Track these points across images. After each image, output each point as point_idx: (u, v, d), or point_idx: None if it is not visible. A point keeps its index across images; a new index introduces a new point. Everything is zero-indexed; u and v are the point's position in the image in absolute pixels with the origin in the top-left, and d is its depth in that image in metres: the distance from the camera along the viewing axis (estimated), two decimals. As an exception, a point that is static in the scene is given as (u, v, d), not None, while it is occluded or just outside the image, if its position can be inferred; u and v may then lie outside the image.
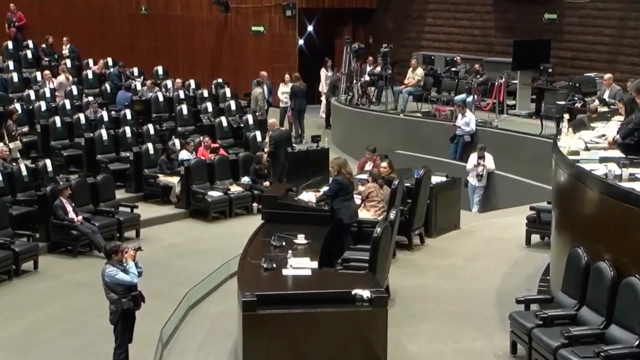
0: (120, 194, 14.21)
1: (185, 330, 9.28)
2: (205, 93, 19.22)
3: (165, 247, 12.57)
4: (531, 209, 11.44)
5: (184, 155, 15.15)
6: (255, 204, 14.38)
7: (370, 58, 20.54)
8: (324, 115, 21.33)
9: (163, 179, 14.63)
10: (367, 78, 20.27)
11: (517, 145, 15.93)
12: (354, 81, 20.00)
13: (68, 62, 20.55)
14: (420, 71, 19.20)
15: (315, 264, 8.04)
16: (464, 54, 21.18)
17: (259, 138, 16.35)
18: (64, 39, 21.91)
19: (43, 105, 16.93)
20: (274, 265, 7.89)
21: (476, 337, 8.40)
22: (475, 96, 17.67)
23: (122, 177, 15.01)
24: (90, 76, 19.88)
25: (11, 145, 14.59)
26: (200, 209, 14.20)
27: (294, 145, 17.48)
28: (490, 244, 11.65)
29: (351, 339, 7.17)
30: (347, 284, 7.51)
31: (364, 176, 12.05)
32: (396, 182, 10.65)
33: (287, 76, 20.28)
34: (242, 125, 17.36)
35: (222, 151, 15.67)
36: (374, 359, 7.14)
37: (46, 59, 21.08)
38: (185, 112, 17.55)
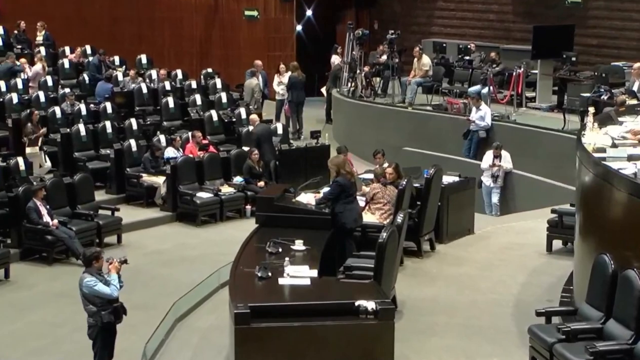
0: (99, 196, 14.22)
1: (172, 345, 9.26)
2: (194, 84, 19.23)
3: (150, 254, 12.58)
4: (552, 212, 11.44)
5: (170, 152, 15.17)
6: (248, 207, 14.39)
7: (381, 47, 20.50)
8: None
9: (147, 178, 14.64)
10: (369, 68, 20.28)
11: (537, 141, 15.93)
12: (358, 71, 20.01)
13: (42, 50, 20.56)
14: (426, 60, 19.20)
15: (314, 273, 8.04)
16: (479, 41, 21.20)
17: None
18: (38, 24, 21.91)
19: (15, 97, 16.94)
20: (270, 274, 7.90)
21: (492, 353, 8.40)
22: (491, 87, 17.68)
23: (102, 177, 15.02)
24: (66, 65, 19.88)
25: (28, 150, 14.39)
26: (188, 212, 14.21)
27: (291, 141, 17.59)
28: (507, 251, 11.66)
29: (354, 356, 7.16)
30: (349, 294, 7.51)
31: (369, 176, 12.05)
32: (404, 183, 10.65)
33: (282, 66, 20.30)
34: (234, 119, 17.38)
35: (212, 148, 15.68)
36: (380, 377, 7.15)
37: (19, 46, 21.10)
38: (171, 105, 17.56)
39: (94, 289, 7.94)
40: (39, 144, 14.71)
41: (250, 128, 15.91)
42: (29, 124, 14.73)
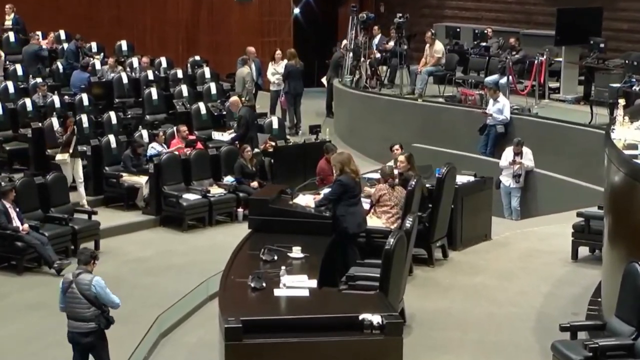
0: (75, 197, 14.23)
1: (156, 363, 9.31)
2: (180, 73, 19.24)
3: (131, 262, 12.59)
4: (578, 215, 11.46)
5: (157, 147, 15.19)
6: (240, 210, 14.40)
7: (392, 33, 20.50)
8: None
9: (128, 178, 14.65)
10: (377, 55, 20.30)
11: (561, 137, 15.95)
12: (362, 59, 20.02)
13: (11, 35, 20.56)
14: (439, 46, 19.21)
15: (314, 283, 8.06)
16: (496, 26, 21.20)
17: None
18: (7, 7, 21.89)
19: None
20: (264, 285, 7.91)
21: (511, 373, 8.44)
22: (511, 77, 17.70)
23: (78, 177, 15.05)
24: (38, 53, 19.90)
25: (58, 157, 14.16)
26: (173, 215, 14.22)
27: (287, 137, 17.60)
28: (528, 259, 11.68)
29: (358, 375, 7.20)
30: (353, 307, 7.53)
31: (374, 175, 12.06)
32: (413, 183, 10.67)
33: (278, 52, 20.30)
34: (224, 112, 17.40)
35: (200, 144, 15.71)
36: (386, 399, 7.17)
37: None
38: (154, 96, 17.57)
39: (107, 292, 8.28)
40: (71, 149, 14.25)
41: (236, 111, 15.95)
42: (59, 128, 14.53)
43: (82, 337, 8.32)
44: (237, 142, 15.56)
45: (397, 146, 13.57)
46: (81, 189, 14.29)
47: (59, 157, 14.26)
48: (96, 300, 8.28)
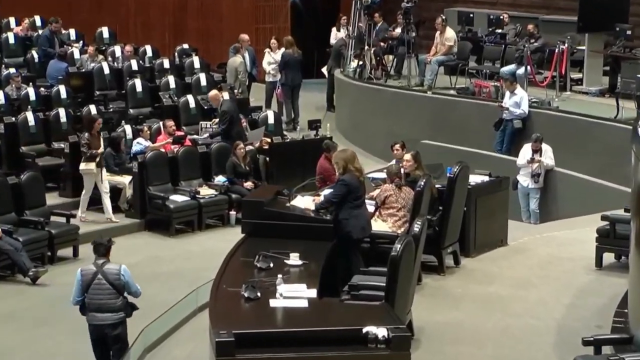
0: (52, 199, 14.24)
1: (140, 380, 9.34)
2: (166, 63, 19.26)
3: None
4: (603, 218, 11.47)
5: (143, 142, 15.20)
6: (233, 212, 14.42)
7: (399, 20, 20.50)
8: None
9: (110, 178, 14.66)
10: (382, 44, 20.31)
11: (584, 133, 15.96)
12: (366, 47, 20.04)
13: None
14: (451, 34, 19.22)
15: (313, 293, 8.07)
16: (513, 11, 21.22)
17: (244, 123, 16.40)
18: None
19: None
20: (259, 295, 7.92)
21: (529, 391, 8.46)
22: (529, 67, 17.71)
23: (55, 177, 15.05)
24: (11, 40, 19.91)
25: (82, 167, 13.99)
26: (159, 218, 14.24)
27: (284, 133, 17.61)
28: (548, 266, 11.69)
29: (362, 393, 7.20)
30: (356, 319, 7.54)
31: (379, 175, 12.07)
32: (422, 183, 10.68)
33: (274, 41, 20.32)
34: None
35: (188, 141, 15.73)
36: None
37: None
38: (139, 88, 17.59)
39: (133, 281, 8.95)
40: (98, 158, 14.11)
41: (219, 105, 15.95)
42: (86, 134, 14.17)
43: (112, 329, 8.90)
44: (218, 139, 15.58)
45: (397, 145, 13.55)
46: (107, 200, 14.15)
47: (83, 167, 14.04)
48: (123, 290, 8.90)
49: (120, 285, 8.92)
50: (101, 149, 14.15)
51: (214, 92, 16.40)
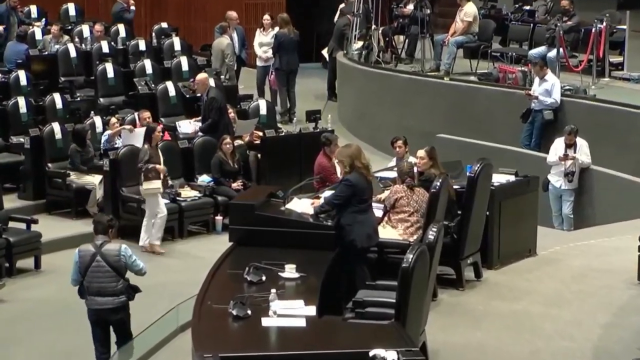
0: (9, 202, 14.25)
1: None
2: (142, 45, 19.27)
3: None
4: (647, 224, 11.50)
5: (109, 141, 15.22)
6: (219, 218, 14.43)
7: None
8: None
9: (76, 178, 14.67)
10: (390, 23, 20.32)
11: (625, 125, 15.97)
12: (373, 26, 20.04)
13: None
14: (471, 9, 19.19)
15: (312, 310, 8.09)
16: (544, -15, 21.23)
17: (231, 114, 16.39)
18: None
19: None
20: (249, 312, 7.93)
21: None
22: (561, 50, 17.72)
23: (13, 176, 15.08)
24: (-38, 19, 19.94)
25: (146, 187, 13.68)
26: (134, 224, 14.24)
27: (279, 126, 17.60)
28: (583, 280, 11.70)
29: None
30: (362, 340, 7.54)
31: (388, 174, 12.07)
32: (438, 184, 10.69)
33: (267, 18, 20.29)
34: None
35: (168, 135, 15.74)
36: None
37: None
38: (110, 74, 17.61)
39: (136, 261, 9.57)
40: (162, 174, 13.91)
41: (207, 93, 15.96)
42: (146, 146, 13.87)
43: (113, 314, 9.56)
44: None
45: (399, 141, 13.56)
46: (161, 224, 13.92)
47: (147, 186, 13.68)
48: (124, 271, 9.46)
49: (121, 267, 9.46)
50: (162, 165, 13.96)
51: (202, 75, 16.38)
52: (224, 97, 16.10)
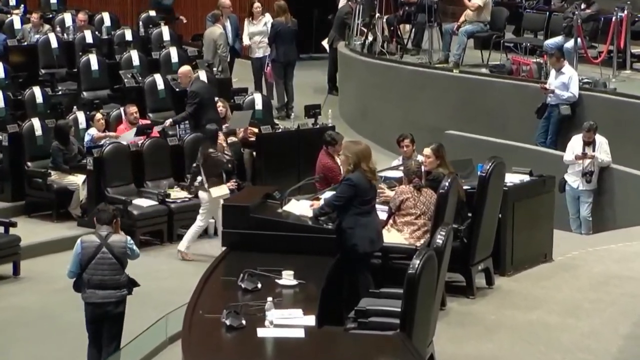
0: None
1: None
2: (128, 35, 19.27)
3: (64, 292, 12.50)
4: (671, 228, 11.52)
5: (88, 137, 15.20)
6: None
7: None
8: None
9: (58, 178, 14.68)
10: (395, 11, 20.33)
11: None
12: (377, 14, 20.05)
13: None
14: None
15: (311, 320, 8.10)
16: (560, -30, 21.24)
17: (220, 108, 16.42)
18: None
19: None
20: (243, 323, 7.94)
21: None
22: (579, 40, 17.73)
23: (-10, 176, 15.09)
24: None
25: (215, 193, 13.55)
26: (120, 227, 14.21)
27: (275, 121, 17.59)
28: (602, 288, 11.71)
29: None
30: (365, 352, 7.56)
31: (394, 174, 12.08)
32: (446, 184, 10.69)
33: (257, 5, 20.22)
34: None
35: (156, 131, 15.73)
36: None
37: None
38: (94, 66, 17.61)
39: (136, 251, 10.02)
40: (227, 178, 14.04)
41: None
42: (210, 149, 13.90)
43: (114, 307, 9.85)
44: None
45: (407, 140, 13.53)
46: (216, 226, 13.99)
47: (219, 192, 13.50)
48: (126, 264, 9.82)
49: (125, 259, 9.84)
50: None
51: (185, 68, 16.39)
52: (212, 91, 16.08)
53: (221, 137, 14.93)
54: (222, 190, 13.71)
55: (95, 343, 10.06)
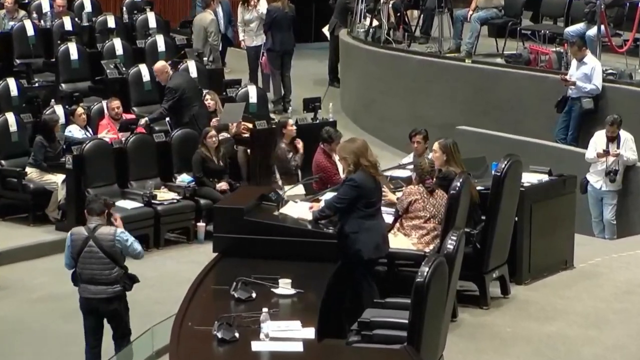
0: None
1: None
2: (111, 22, 19.25)
3: (41, 302, 12.62)
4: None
5: (74, 133, 15.19)
6: (202, 224, 14.42)
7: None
8: None
9: (36, 177, 14.67)
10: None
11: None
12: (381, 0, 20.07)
13: None
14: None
15: (311, 332, 8.10)
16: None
17: (209, 102, 16.41)
18: None
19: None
20: (236, 335, 7.94)
21: None
22: (603, 27, 17.72)
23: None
24: None
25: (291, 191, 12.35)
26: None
27: (271, 116, 17.58)
28: (628, 297, 11.72)
29: None
30: (369, 368, 7.56)
31: (401, 174, 12.06)
32: (458, 184, 10.68)
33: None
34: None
35: (141, 127, 15.72)
36: None
37: None
38: (74, 55, 17.60)
39: (132, 245, 10.06)
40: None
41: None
42: (283, 145, 14.09)
43: (106, 304, 10.07)
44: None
45: (419, 136, 13.50)
46: None
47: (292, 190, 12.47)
48: (121, 258, 9.99)
49: (116, 253, 9.96)
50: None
51: (160, 63, 16.34)
52: (196, 84, 15.98)
53: (212, 133, 14.96)
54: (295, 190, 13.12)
55: (92, 336, 10.28)
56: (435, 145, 11.49)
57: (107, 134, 15.37)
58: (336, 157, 13.15)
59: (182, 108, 15.59)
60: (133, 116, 16.17)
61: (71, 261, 10.18)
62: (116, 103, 15.71)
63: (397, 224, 10.80)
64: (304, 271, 9.23)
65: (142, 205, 14.32)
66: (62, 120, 15.60)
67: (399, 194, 11.12)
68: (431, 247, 10.50)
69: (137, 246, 10.23)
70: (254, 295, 8.72)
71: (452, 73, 18.65)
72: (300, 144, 15.00)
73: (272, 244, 9.73)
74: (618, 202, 15.30)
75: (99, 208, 10.16)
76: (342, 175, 12.09)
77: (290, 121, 15.44)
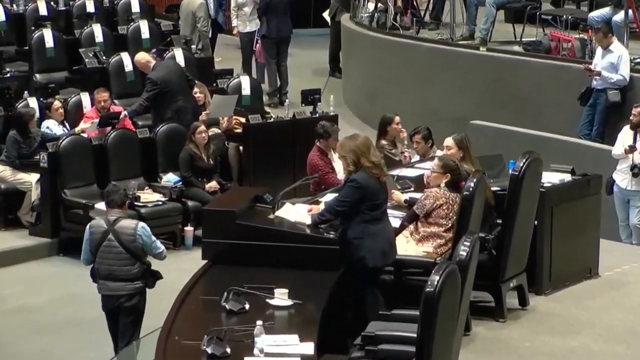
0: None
1: None
2: (90, 6, 19.26)
3: (13, 314, 12.66)
4: None
5: (52, 129, 15.21)
6: (190, 228, 14.45)
7: None
8: None
9: (8, 176, 14.69)
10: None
11: None
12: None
13: None
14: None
15: (309, 347, 8.11)
16: None
17: (197, 94, 16.43)
18: None
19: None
20: (228, 351, 7.96)
21: None
22: (631, 12, 17.74)
23: None
24: None
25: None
26: (79, 237, 14.18)
27: (266, 109, 17.59)
28: (659, 308, 11.75)
29: None
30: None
31: (410, 173, 12.06)
32: (472, 185, 10.67)
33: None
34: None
35: (128, 122, 15.70)
36: None
37: None
38: (49, 43, 17.62)
39: (155, 243, 10.36)
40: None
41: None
42: (384, 141, 13.89)
43: (126, 300, 10.36)
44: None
45: (418, 136, 13.52)
46: None
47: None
48: (142, 253, 10.33)
49: (137, 248, 10.16)
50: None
51: (140, 55, 16.29)
52: (180, 77, 15.93)
53: (201, 128, 14.96)
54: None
55: (113, 337, 10.61)
56: (449, 141, 11.46)
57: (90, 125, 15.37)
58: (333, 155, 13.16)
59: (163, 102, 15.51)
60: (121, 108, 15.99)
61: (89, 256, 10.40)
62: (105, 95, 15.63)
63: (411, 227, 10.76)
64: (302, 280, 9.24)
65: (125, 207, 14.34)
66: (36, 114, 15.61)
67: (406, 196, 11.13)
68: (444, 254, 10.49)
69: (161, 246, 10.54)
70: (247, 306, 8.74)
71: (465, 62, 18.68)
72: (404, 134, 14.55)
73: (267, 250, 9.74)
74: (647, 204, 15.32)
75: (120, 199, 10.40)
76: (340, 175, 12.15)
77: (397, 118, 14.51)
